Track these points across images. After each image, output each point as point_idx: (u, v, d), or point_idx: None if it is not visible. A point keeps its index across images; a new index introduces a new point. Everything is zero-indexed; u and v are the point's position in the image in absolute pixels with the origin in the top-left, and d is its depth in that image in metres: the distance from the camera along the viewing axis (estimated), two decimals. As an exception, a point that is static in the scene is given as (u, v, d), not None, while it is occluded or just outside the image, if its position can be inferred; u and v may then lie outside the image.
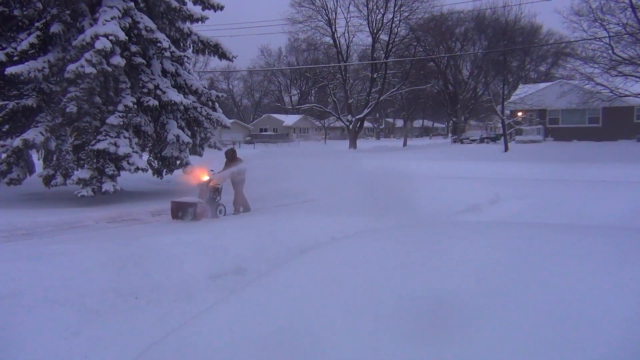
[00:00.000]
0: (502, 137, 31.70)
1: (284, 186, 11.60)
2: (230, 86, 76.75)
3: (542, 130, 36.98)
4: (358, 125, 40.62)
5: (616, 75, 22.72)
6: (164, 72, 13.12)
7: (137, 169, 11.61)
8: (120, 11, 11.47)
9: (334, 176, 10.16)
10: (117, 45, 11.25)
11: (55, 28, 11.66)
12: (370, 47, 41.25)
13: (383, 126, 77.56)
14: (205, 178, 9.83)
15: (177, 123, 13.14)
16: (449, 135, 59.43)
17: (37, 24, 11.96)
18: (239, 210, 10.35)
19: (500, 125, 36.73)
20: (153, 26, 12.10)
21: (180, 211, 9.30)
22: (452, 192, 11.36)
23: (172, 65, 13.36)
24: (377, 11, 39.30)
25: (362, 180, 9.87)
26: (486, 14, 43.68)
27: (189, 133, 13.61)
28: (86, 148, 11.55)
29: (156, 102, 12.36)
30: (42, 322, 4.38)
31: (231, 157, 10.61)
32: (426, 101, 53.16)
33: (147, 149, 13.78)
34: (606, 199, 10.42)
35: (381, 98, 40.29)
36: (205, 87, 14.56)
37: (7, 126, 12.37)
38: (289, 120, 70.94)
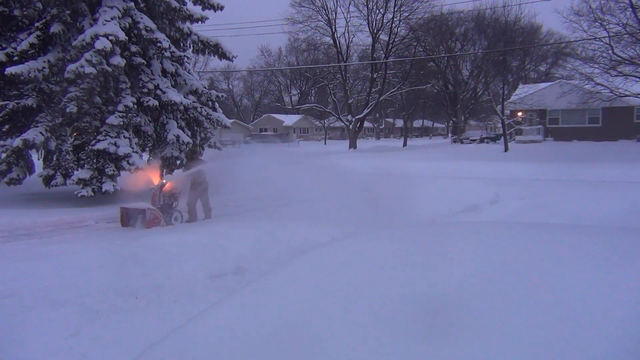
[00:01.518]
0: (502, 137, 31.69)
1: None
2: (230, 86, 76.78)
3: (542, 130, 36.96)
4: (358, 125, 40.60)
5: (616, 75, 22.70)
6: (164, 72, 13.12)
7: (137, 169, 11.61)
8: (120, 11, 11.48)
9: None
10: (117, 45, 11.25)
11: (55, 28, 11.66)
12: (370, 47, 41.21)
13: (383, 126, 77.54)
14: (163, 182, 9.16)
15: (177, 123, 13.14)
16: (449, 135, 59.44)
17: (37, 24, 11.97)
18: (209, 215, 9.46)
19: (500, 125, 36.71)
20: (153, 26, 12.11)
21: (129, 218, 8.75)
22: (452, 192, 11.37)
23: (172, 65, 13.36)
24: (377, 11, 39.30)
25: (360, 181, 9.84)
26: (486, 14, 43.69)
27: (189, 133, 13.61)
28: (86, 148, 11.55)
29: (156, 102, 12.37)
30: (42, 322, 4.38)
31: (190, 158, 9.74)
32: (426, 101, 53.15)
33: (147, 149, 13.78)
34: (606, 199, 10.40)
35: (381, 98, 40.26)
36: (205, 87, 14.56)
37: (7, 126, 12.39)
38: (289, 120, 70.90)
